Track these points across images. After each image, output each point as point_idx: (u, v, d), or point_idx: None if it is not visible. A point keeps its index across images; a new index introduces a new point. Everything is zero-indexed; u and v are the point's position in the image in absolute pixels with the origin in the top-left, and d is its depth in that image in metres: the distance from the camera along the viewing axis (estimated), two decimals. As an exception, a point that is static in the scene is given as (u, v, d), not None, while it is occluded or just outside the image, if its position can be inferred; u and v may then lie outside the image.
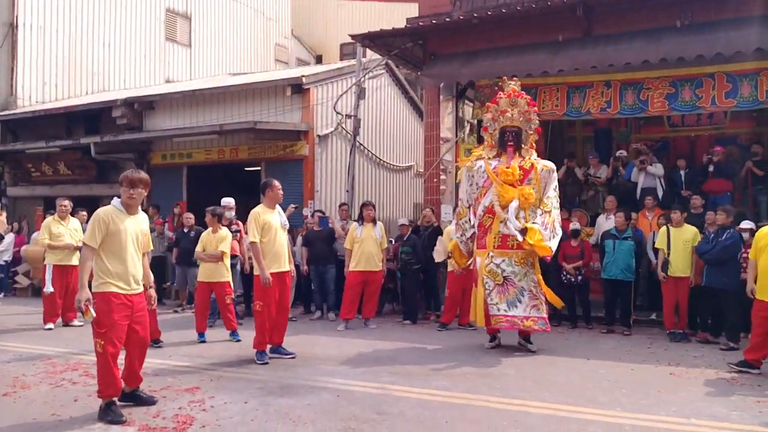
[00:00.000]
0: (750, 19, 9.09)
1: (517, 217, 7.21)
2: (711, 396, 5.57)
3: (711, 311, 8.35)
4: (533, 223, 7.23)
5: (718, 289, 7.93)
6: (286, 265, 6.97)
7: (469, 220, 7.83)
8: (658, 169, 10.52)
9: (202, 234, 8.59)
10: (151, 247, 7.48)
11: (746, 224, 8.45)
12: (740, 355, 7.08)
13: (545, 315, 7.34)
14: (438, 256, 8.87)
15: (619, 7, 9.96)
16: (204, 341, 8.10)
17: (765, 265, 6.50)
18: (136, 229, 5.04)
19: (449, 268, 9.00)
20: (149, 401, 5.10)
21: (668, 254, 8.48)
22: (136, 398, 5.07)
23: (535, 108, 7.78)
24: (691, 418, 4.89)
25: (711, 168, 10.42)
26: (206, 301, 8.34)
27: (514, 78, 7.89)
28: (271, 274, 6.71)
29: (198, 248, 8.41)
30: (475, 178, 7.71)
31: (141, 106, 15.15)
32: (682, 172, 10.67)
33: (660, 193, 10.38)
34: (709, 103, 9.67)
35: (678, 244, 8.42)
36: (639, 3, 9.78)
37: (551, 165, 7.62)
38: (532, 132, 7.70)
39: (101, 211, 4.93)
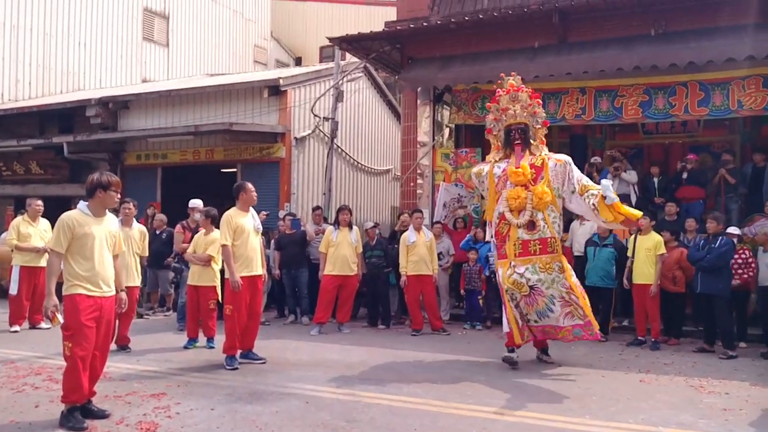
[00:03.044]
0: (722, 29, 9.26)
1: (533, 219, 6.76)
2: (679, 404, 5.58)
3: (704, 319, 8.34)
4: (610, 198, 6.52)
5: (712, 296, 7.93)
6: (258, 269, 6.89)
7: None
8: (631, 176, 10.60)
9: (195, 236, 8.28)
10: (123, 249, 7.41)
11: (733, 230, 8.52)
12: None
13: (582, 322, 6.76)
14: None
15: (594, 15, 10.05)
16: (194, 347, 7.88)
17: None
18: (104, 231, 4.94)
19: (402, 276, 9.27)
20: (100, 415, 4.91)
21: (633, 261, 8.59)
22: (87, 412, 4.86)
23: (539, 100, 7.22)
24: (659, 426, 4.91)
25: (684, 175, 10.51)
26: (195, 306, 7.99)
27: (513, 74, 7.32)
28: (242, 278, 6.64)
29: (189, 249, 8.14)
30: (485, 184, 7.23)
31: (116, 106, 14.96)
32: (656, 179, 10.76)
33: (633, 200, 10.44)
34: (682, 111, 9.81)
35: (641, 252, 8.51)
36: (613, 11, 9.88)
37: (565, 158, 7.03)
38: (539, 126, 7.18)
39: (66, 216, 4.82)
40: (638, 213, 6.79)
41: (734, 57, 8.83)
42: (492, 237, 7.22)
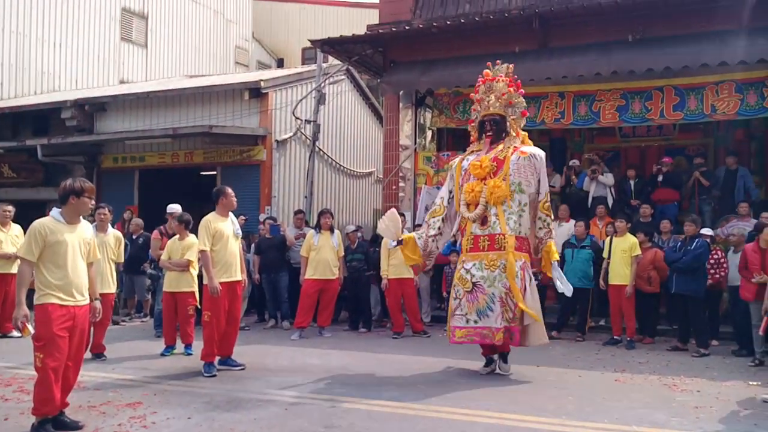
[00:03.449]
0: (696, 35, 9.45)
1: (486, 213, 6.51)
2: (653, 402, 5.67)
3: (678, 318, 8.56)
4: (551, 239, 6.71)
5: (687, 296, 8.12)
6: (238, 275, 6.85)
7: (444, 219, 7.03)
8: (608, 178, 10.73)
9: (168, 241, 8.19)
10: (104, 258, 7.35)
11: (706, 231, 8.67)
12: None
13: (519, 326, 6.43)
14: (385, 232, 7.28)
15: (574, 21, 10.16)
16: (171, 354, 7.79)
17: None
18: (78, 239, 4.85)
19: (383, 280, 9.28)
20: (73, 427, 4.80)
21: (609, 263, 8.74)
22: (59, 424, 4.75)
23: (521, 89, 6.85)
24: (633, 426, 4.98)
25: (660, 178, 10.68)
26: (172, 312, 7.92)
27: (498, 61, 7.00)
28: (221, 283, 6.60)
29: (163, 256, 8.06)
30: (454, 177, 6.98)
31: (92, 108, 14.76)
32: (632, 182, 10.94)
33: (610, 202, 10.60)
34: (658, 116, 9.99)
35: (617, 253, 8.66)
36: (592, 17, 9.99)
37: (531, 151, 6.60)
38: (516, 116, 6.82)
39: (37, 224, 4.72)
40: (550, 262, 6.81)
41: (708, 63, 9.04)
42: (457, 232, 7.13)
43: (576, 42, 10.23)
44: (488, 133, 6.78)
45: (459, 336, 6.61)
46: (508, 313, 6.37)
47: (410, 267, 9.12)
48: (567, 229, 9.85)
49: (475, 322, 6.48)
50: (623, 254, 8.58)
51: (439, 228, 6.99)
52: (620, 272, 8.61)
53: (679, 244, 8.37)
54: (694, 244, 8.11)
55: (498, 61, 6.97)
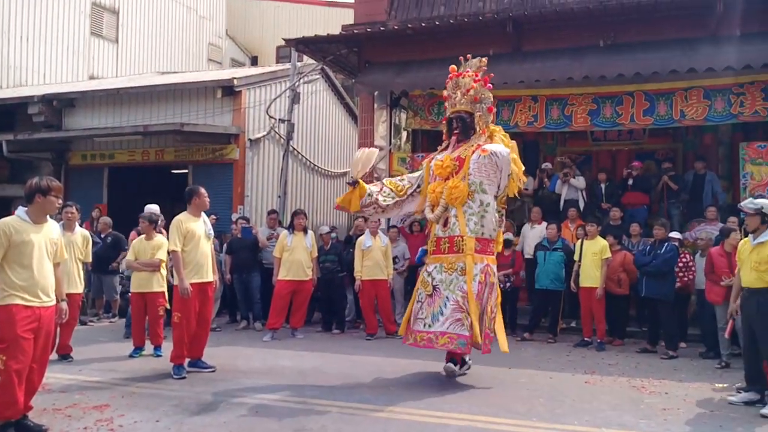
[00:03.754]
0: (667, 42, 9.62)
1: (447, 215, 6.33)
2: (622, 404, 5.75)
3: (648, 321, 8.69)
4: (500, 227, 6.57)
5: (656, 300, 8.23)
6: (209, 276, 6.76)
7: (398, 203, 6.78)
8: (580, 181, 10.85)
9: (134, 241, 8.03)
10: (71, 258, 7.21)
11: (674, 234, 8.79)
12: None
13: (468, 333, 6.07)
14: (354, 163, 6.80)
15: (547, 26, 10.26)
16: (140, 356, 7.67)
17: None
18: (45, 238, 4.75)
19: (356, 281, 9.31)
20: (37, 430, 4.71)
21: (580, 265, 8.85)
22: (22, 427, 4.66)
23: (489, 84, 6.60)
24: (602, 428, 5.04)
25: (630, 182, 10.83)
26: (141, 313, 7.79)
27: (468, 56, 6.78)
28: (192, 284, 6.52)
29: (129, 257, 7.90)
30: (422, 176, 6.82)
31: (61, 104, 14.47)
32: (603, 185, 11.06)
33: (582, 205, 10.71)
34: (629, 120, 10.13)
35: (588, 256, 8.76)
36: (565, 22, 10.10)
37: (494, 149, 6.28)
38: (482, 113, 6.53)
39: (2, 223, 4.60)
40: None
41: (677, 69, 9.20)
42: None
43: (549, 46, 10.33)
44: (455, 131, 6.60)
45: (411, 340, 6.43)
46: (467, 321, 6.08)
47: (386, 269, 9.38)
48: (539, 231, 9.95)
49: (429, 326, 6.26)
50: (594, 257, 8.69)
51: (387, 205, 6.72)
52: (591, 275, 8.72)
53: (649, 247, 8.50)
54: (664, 247, 8.24)
55: (468, 56, 6.75)
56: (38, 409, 5.03)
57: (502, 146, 6.40)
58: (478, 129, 6.52)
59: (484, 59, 6.72)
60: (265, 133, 13.86)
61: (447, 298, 6.18)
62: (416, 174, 7.01)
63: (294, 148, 14.45)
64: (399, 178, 7.13)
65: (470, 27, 10.40)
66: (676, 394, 6.15)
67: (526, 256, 9.96)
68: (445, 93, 6.80)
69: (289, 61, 14.26)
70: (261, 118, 13.73)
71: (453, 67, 6.64)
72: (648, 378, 6.81)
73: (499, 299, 6.68)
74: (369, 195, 6.56)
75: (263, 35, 25.39)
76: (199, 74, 17.24)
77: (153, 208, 9.07)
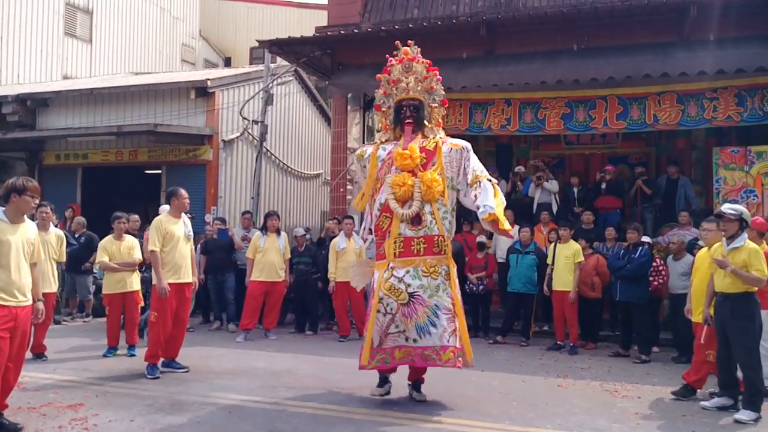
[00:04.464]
0: (640, 46, 9.70)
1: (420, 211, 5.60)
2: (594, 408, 5.79)
3: (621, 325, 8.76)
4: (488, 207, 5.55)
5: (630, 303, 8.29)
6: (187, 277, 6.77)
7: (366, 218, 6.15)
8: (553, 185, 10.96)
9: (103, 242, 7.91)
10: (46, 258, 7.12)
11: (645, 239, 8.83)
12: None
13: (460, 345, 5.53)
14: (358, 281, 6.36)
15: (520, 29, 10.33)
16: (113, 356, 7.60)
17: (696, 287, 6.44)
18: (22, 238, 4.74)
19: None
20: (12, 429, 4.71)
21: (553, 269, 8.88)
22: None
23: (438, 75, 6.01)
24: (575, 431, 5.09)
25: (603, 186, 10.95)
26: (119, 313, 7.73)
27: (409, 42, 6.09)
28: (170, 284, 6.52)
29: (101, 258, 7.76)
30: (368, 168, 5.99)
31: (34, 103, 14.32)
32: (576, 189, 11.18)
33: (554, 209, 10.81)
34: (602, 124, 10.21)
35: (561, 260, 8.80)
36: (539, 26, 10.18)
37: (463, 144, 5.87)
38: (436, 105, 5.99)
39: None
40: (509, 228, 5.78)
41: (650, 73, 9.28)
42: (368, 232, 6.13)
43: (522, 50, 10.41)
44: (408, 120, 5.84)
45: (399, 356, 5.55)
46: (458, 331, 5.50)
47: None
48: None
49: (415, 341, 5.45)
50: (566, 261, 8.73)
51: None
52: (563, 278, 8.75)
53: (623, 251, 8.56)
54: (638, 252, 8.29)
55: (409, 42, 6.09)
56: (13, 408, 5.00)
57: (466, 142, 5.96)
58: (432, 121, 5.98)
59: (417, 48, 6.09)
60: (238, 134, 13.81)
61: (437, 306, 5.44)
62: (359, 176, 6.32)
63: (267, 150, 14.42)
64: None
65: (444, 30, 10.45)
66: (649, 399, 6.20)
67: (500, 260, 10.01)
68: (388, 76, 6.01)
69: (263, 63, 14.24)
70: (234, 119, 13.68)
71: (407, 49, 5.98)
72: (621, 382, 6.85)
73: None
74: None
75: (236, 36, 25.27)
76: (173, 75, 17.11)
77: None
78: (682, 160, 11.66)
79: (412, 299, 5.45)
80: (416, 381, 5.93)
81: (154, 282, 6.59)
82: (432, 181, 5.57)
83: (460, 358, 5.46)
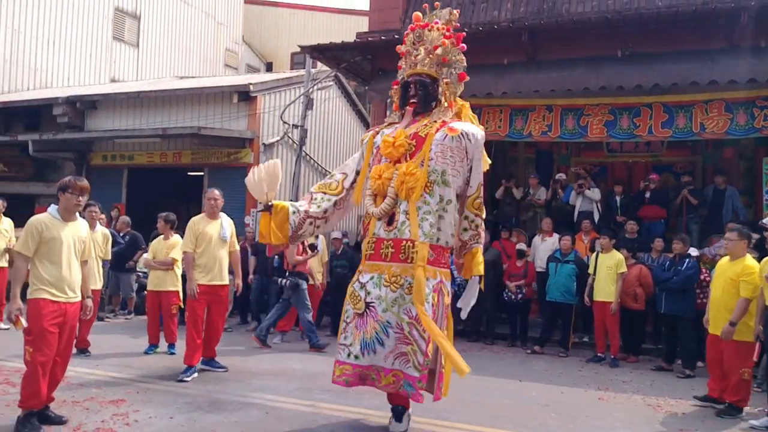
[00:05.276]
0: (686, 53, 9.47)
1: (394, 209, 4.67)
2: (636, 423, 5.66)
3: (665, 338, 8.50)
4: (478, 243, 4.96)
5: (676, 317, 8.03)
6: (220, 279, 6.77)
7: (336, 203, 5.11)
8: (595, 193, 10.78)
9: (153, 241, 8.21)
10: (93, 255, 7.29)
11: (692, 251, 8.56)
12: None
13: (417, 374, 4.43)
14: (254, 187, 5.10)
15: (563, 35, 10.19)
16: (153, 353, 7.76)
17: (715, 297, 6.35)
18: (73, 236, 4.88)
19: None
20: (58, 421, 4.84)
21: (594, 279, 8.69)
22: (44, 417, 4.79)
23: (462, 44, 4.98)
24: (615, 444, 5.00)
25: (647, 194, 10.71)
26: (156, 311, 7.93)
27: (437, 3, 5.11)
28: (202, 286, 6.57)
29: (148, 255, 8.10)
30: (365, 156, 5.09)
31: (83, 105, 14.81)
32: (618, 198, 10.95)
33: (596, 217, 10.63)
34: (646, 132, 9.97)
35: (602, 270, 8.59)
36: (582, 32, 10.03)
37: (465, 128, 4.72)
38: (451, 80, 4.92)
39: (35, 219, 4.78)
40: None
41: (698, 81, 9.05)
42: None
43: (565, 55, 10.27)
44: (412, 100, 4.88)
45: (337, 374, 4.78)
46: (416, 357, 4.45)
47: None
48: (551, 243, 9.89)
49: (357, 358, 4.60)
50: (609, 271, 8.53)
51: (325, 211, 5.03)
52: (605, 289, 8.54)
53: (668, 263, 8.33)
54: (685, 264, 8.04)
55: (437, 3, 5.09)
56: (58, 401, 5.12)
57: (476, 127, 4.91)
58: (443, 100, 4.91)
59: (455, 11, 5.11)
60: (278, 138, 13.98)
61: (388, 323, 4.50)
62: (352, 159, 5.34)
63: (306, 153, 14.54)
64: (328, 176, 5.46)
65: (485, 35, 10.37)
66: (694, 415, 6.02)
67: (538, 269, 9.86)
68: (402, 48, 5.11)
69: (304, 68, 14.39)
70: (275, 123, 13.87)
71: (418, 14, 5.04)
72: (663, 397, 6.68)
73: (451, 330, 4.97)
74: (294, 213, 4.91)
75: (278, 42, 25.60)
76: (216, 79, 17.41)
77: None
78: (729, 170, 11.30)
79: (367, 311, 4.59)
80: (396, 407, 4.93)
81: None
82: (407, 175, 4.60)
83: (405, 384, 4.48)
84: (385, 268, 4.63)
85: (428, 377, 4.61)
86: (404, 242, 4.60)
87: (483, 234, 5.05)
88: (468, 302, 5.05)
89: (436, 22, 4.93)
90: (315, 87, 13.86)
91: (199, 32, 23.27)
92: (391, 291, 4.53)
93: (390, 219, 4.71)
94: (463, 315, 4.95)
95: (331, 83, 15.99)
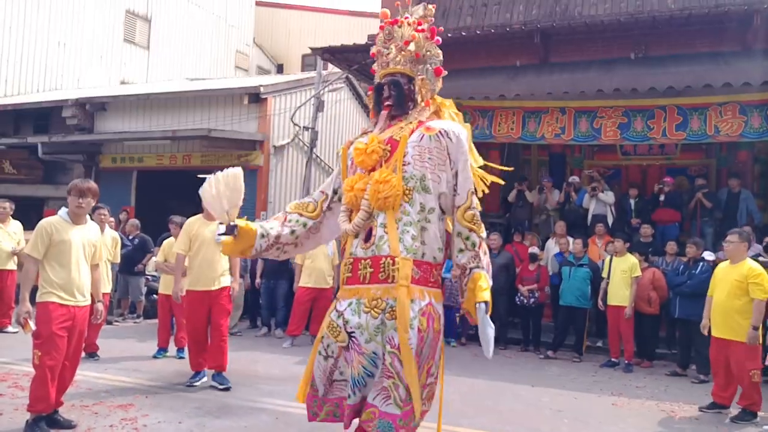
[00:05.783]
0: (700, 55, 9.41)
1: (371, 223, 3.86)
2: (651, 428, 5.58)
3: (679, 343, 8.41)
4: (478, 268, 3.91)
5: (690, 321, 7.88)
6: (215, 284, 6.34)
7: (312, 228, 4.24)
8: (608, 196, 10.67)
9: (164, 243, 8.09)
10: (104, 258, 7.25)
11: (708, 255, 8.42)
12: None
13: (399, 412, 3.61)
14: (212, 202, 4.17)
15: (576, 37, 10.15)
16: (163, 357, 7.71)
17: (719, 301, 6.31)
18: (83, 239, 4.85)
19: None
20: (66, 425, 4.81)
21: (608, 283, 8.60)
22: (52, 422, 4.76)
23: (436, 37, 4.16)
24: (630, 451, 4.91)
25: (661, 198, 10.61)
26: (168, 315, 7.86)
27: (397, 3, 4.33)
28: (195, 292, 6.28)
29: (159, 258, 8.01)
30: (341, 169, 4.30)
31: (93, 107, 14.82)
32: (633, 201, 10.85)
33: (610, 221, 10.53)
34: (660, 135, 9.88)
35: (617, 273, 8.50)
36: (595, 34, 9.98)
37: (444, 126, 3.95)
38: (426, 77, 4.15)
39: (45, 222, 4.76)
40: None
41: (712, 83, 8.95)
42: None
43: (578, 58, 10.21)
44: (386, 103, 4.12)
45: (328, 412, 4.10)
46: (397, 392, 3.64)
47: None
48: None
49: (349, 396, 3.82)
50: (623, 275, 8.43)
51: (297, 236, 4.21)
52: (619, 293, 8.45)
53: (682, 266, 8.24)
54: (699, 267, 7.95)
55: (408, 0, 4.35)
56: (67, 405, 5.10)
57: (457, 125, 4.19)
58: (419, 100, 4.18)
59: (431, 6, 4.32)
60: (289, 140, 13.96)
61: (374, 354, 3.71)
62: (331, 177, 4.53)
63: (317, 156, 14.51)
64: (308, 196, 4.68)
65: (497, 38, 10.34)
66: (709, 421, 5.94)
67: (552, 273, 9.78)
68: (373, 49, 4.39)
69: (314, 70, 14.38)
70: (285, 125, 13.85)
71: (385, 11, 4.33)
72: (678, 402, 6.59)
73: (442, 364, 4.04)
74: (263, 236, 4.12)
75: (289, 44, 25.63)
76: (227, 81, 17.43)
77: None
78: (744, 173, 11.17)
79: (351, 342, 3.83)
80: None
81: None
82: (381, 183, 3.87)
83: (385, 425, 3.63)
84: (364, 291, 3.83)
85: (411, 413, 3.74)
86: (383, 259, 3.81)
87: (484, 255, 4.01)
88: (486, 340, 3.93)
89: (407, 17, 4.25)
90: (326, 89, 13.83)
91: (210, 34, 23.31)
92: (372, 317, 3.74)
93: (367, 235, 3.94)
94: (488, 354, 4.01)
95: (342, 85, 15.95)
